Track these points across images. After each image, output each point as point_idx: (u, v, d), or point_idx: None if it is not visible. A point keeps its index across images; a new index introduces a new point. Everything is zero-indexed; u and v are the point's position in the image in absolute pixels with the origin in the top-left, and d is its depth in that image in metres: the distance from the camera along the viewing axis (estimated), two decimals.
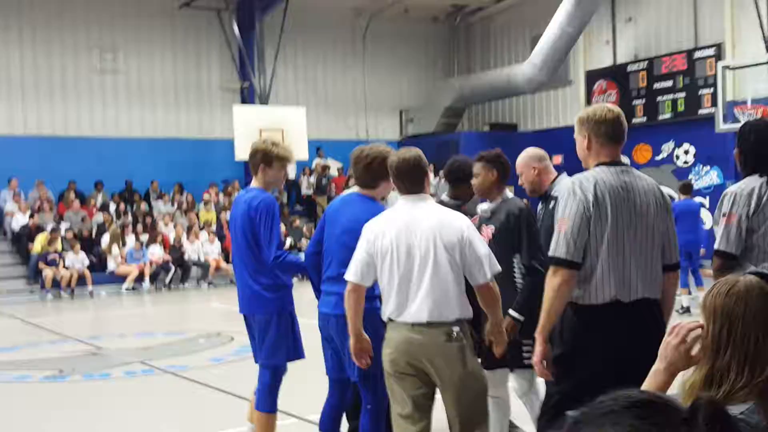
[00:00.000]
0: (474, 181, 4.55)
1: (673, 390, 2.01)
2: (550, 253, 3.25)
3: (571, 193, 3.23)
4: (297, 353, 4.51)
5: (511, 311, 4.18)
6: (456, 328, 3.48)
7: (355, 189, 4.32)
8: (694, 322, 2.05)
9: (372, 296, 3.91)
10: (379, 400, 4.00)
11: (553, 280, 3.20)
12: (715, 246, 3.91)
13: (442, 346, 3.46)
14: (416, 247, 3.51)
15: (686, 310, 10.35)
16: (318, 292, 4.28)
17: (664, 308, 3.40)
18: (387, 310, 3.60)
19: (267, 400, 4.47)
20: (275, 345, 4.42)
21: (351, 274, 3.64)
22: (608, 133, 3.37)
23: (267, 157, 4.55)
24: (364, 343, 3.73)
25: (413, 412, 3.57)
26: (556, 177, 4.60)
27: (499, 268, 3.60)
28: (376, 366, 3.85)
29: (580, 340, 3.25)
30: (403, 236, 3.54)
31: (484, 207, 4.55)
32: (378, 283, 3.67)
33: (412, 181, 3.66)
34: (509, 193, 4.56)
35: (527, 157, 4.66)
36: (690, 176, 19.01)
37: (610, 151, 3.37)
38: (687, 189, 11.03)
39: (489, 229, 4.38)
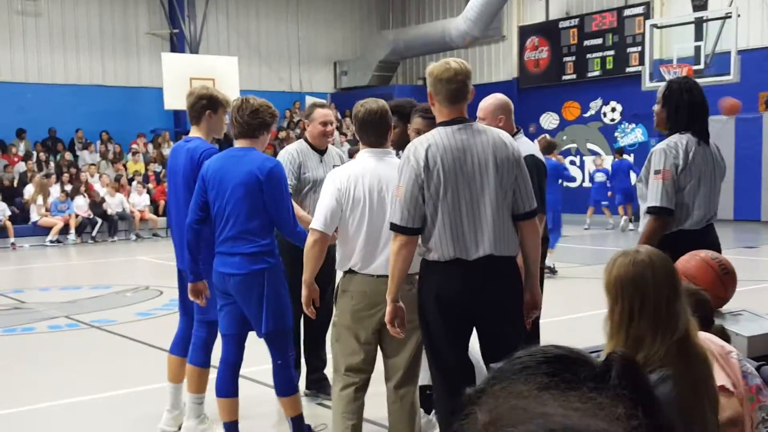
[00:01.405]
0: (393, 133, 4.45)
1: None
2: (389, 219, 3.35)
3: (406, 160, 3.27)
4: None
5: None
6: (416, 277, 3.55)
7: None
8: None
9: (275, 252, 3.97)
10: (287, 353, 4.10)
11: (393, 245, 3.31)
12: (651, 203, 3.92)
13: (406, 294, 3.51)
14: (389, 200, 3.56)
15: (551, 270, 9.95)
16: (198, 265, 4.10)
17: (526, 258, 3.40)
18: (349, 261, 3.64)
19: (201, 355, 4.45)
20: (215, 300, 4.39)
21: (319, 223, 3.61)
22: (443, 91, 3.30)
23: (214, 103, 4.42)
24: (315, 293, 3.77)
25: (361, 363, 3.69)
26: (516, 133, 4.29)
27: None
28: (290, 320, 3.99)
29: (428, 291, 3.35)
30: (376, 188, 3.58)
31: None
32: (338, 232, 3.67)
33: (377, 133, 3.68)
34: None
35: (497, 104, 4.36)
36: (616, 133, 19.48)
37: (449, 109, 3.31)
38: (548, 149, 10.75)
39: None
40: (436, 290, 3.30)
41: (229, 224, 3.95)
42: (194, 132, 4.49)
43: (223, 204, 3.96)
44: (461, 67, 3.32)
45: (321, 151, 5.01)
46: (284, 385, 4.11)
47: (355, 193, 3.58)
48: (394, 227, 3.29)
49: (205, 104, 4.42)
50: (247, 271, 3.91)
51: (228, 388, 4.16)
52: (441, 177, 3.21)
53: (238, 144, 4.06)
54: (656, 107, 4.15)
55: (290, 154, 4.88)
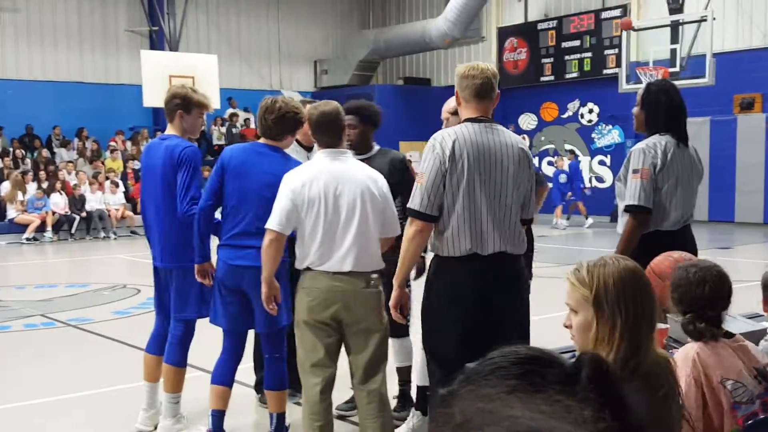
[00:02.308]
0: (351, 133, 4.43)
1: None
2: (408, 205, 3.40)
3: (431, 148, 3.35)
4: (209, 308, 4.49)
5: None
6: (374, 275, 3.61)
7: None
8: None
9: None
10: (283, 347, 4.16)
11: (408, 230, 3.37)
12: (629, 201, 3.96)
13: (361, 291, 3.56)
14: (344, 199, 3.60)
15: None
16: (206, 247, 4.16)
17: None
18: (306, 260, 3.66)
19: (177, 353, 4.43)
20: (192, 298, 4.37)
21: (275, 223, 3.64)
22: (469, 87, 3.42)
23: (186, 103, 4.39)
24: (275, 290, 3.79)
25: (324, 359, 3.69)
26: None
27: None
28: (290, 315, 3.99)
29: (439, 289, 3.39)
30: (332, 187, 3.61)
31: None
32: (296, 231, 3.70)
33: (331, 135, 3.71)
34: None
35: None
36: (593, 135, 19.60)
37: (475, 107, 3.43)
38: None
39: None
40: (450, 287, 3.35)
41: (247, 219, 3.99)
42: (170, 130, 4.46)
43: (242, 198, 4.00)
44: (487, 66, 3.48)
45: (308, 149, 5.03)
46: (277, 380, 4.16)
47: (309, 193, 3.61)
48: (412, 212, 3.33)
49: (178, 104, 4.39)
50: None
51: (225, 377, 4.19)
52: (465, 169, 3.28)
53: (263, 141, 4.11)
54: (635, 110, 4.19)
55: None
